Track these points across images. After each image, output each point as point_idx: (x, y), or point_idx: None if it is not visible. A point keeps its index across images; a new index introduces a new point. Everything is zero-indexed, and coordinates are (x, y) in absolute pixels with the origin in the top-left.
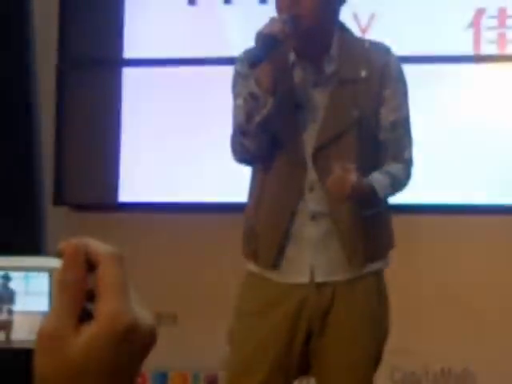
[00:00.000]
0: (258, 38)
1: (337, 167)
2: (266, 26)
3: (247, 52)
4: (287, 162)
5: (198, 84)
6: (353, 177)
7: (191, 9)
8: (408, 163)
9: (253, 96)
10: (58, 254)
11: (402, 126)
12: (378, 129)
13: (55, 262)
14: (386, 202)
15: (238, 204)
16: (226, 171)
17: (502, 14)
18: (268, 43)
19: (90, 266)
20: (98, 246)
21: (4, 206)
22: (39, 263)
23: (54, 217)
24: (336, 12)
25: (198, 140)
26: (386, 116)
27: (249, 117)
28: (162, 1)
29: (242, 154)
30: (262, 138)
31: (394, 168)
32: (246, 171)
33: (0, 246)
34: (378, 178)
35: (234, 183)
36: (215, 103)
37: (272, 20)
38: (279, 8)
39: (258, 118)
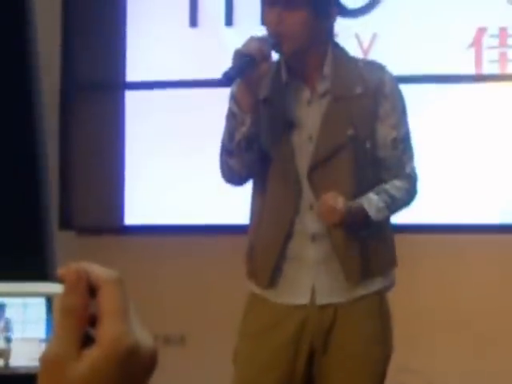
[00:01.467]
0: (235, 55)
1: (324, 196)
2: (244, 44)
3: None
4: (283, 181)
5: (200, 106)
6: (340, 204)
7: (193, 31)
8: (411, 178)
9: (232, 115)
10: (59, 280)
11: (402, 143)
12: (375, 146)
13: (53, 288)
14: (386, 221)
15: (243, 225)
16: (230, 193)
17: (502, 33)
18: (243, 62)
19: (92, 290)
20: (99, 271)
21: (10, 232)
22: (36, 289)
23: (61, 241)
24: (326, 31)
25: (202, 162)
26: (386, 134)
27: (230, 136)
28: (164, 23)
29: (228, 173)
30: (246, 157)
31: (394, 187)
32: (249, 193)
33: (6, 272)
34: (371, 200)
35: (238, 204)
36: (219, 125)
37: (250, 39)
38: (265, 23)
39: (238, 136)
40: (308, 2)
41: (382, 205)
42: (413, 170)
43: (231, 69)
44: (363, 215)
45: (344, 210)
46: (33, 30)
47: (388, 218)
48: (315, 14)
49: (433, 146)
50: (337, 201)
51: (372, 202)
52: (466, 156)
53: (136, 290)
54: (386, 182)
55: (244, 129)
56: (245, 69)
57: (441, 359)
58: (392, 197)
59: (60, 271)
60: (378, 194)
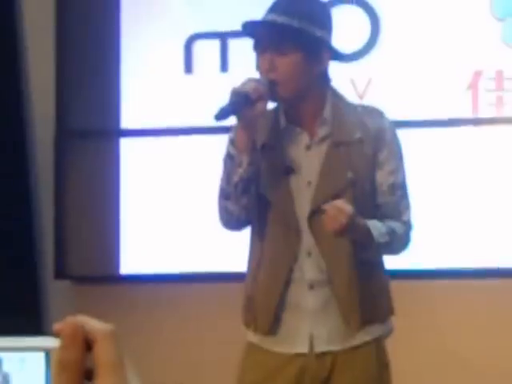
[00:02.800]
0: (231, 94)
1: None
2: (241, 84)
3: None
4: (282, 227)
5: (197, 153)
6: (349, 208)
7: (188, 77)
8: (407, 226)
9: (229, 156)
10: (56, 334)
11: (400, 189)
12: (374, 192)
13: (51, 342)
14: (381, 253)
15: (239, 273)
16: (227, 240)
17: (498, 76)
18: (239, 100)
19: (88, 344)
20: (94, 324)
21: (5, 281)
22: (35, 343)
23: (56, 290)
24: (320, 74)
25: (198, 209)
26: (384, 180)
27: (228, 178)
28: (159, 69)
29: (227, 218)
30: (243, 200)
31: (393, 224)
32: (246, 240)
33: (2, 322)
34: (375, 223)
35: (235, 252)
36: (215, 172)
37: (247, 79)
38: (259, 70)
39: (235, 178)
40: (299, 46)
41: (384, 230)
42: (409, 219)
43: (227, 105)
44: (366, 232)
45: (351, 213)
46: (26, 78)
47: (383, 265)
48: (307, 58)
49: (430, 191)
50: (345, 204)
51: (376, 225)
52: (464, 200)
53: (132, 339)
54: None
55: (241, 170)
56: (240, 106)
57: None
58: (392, 229)
59: (56, 325)
60: (379, 222)
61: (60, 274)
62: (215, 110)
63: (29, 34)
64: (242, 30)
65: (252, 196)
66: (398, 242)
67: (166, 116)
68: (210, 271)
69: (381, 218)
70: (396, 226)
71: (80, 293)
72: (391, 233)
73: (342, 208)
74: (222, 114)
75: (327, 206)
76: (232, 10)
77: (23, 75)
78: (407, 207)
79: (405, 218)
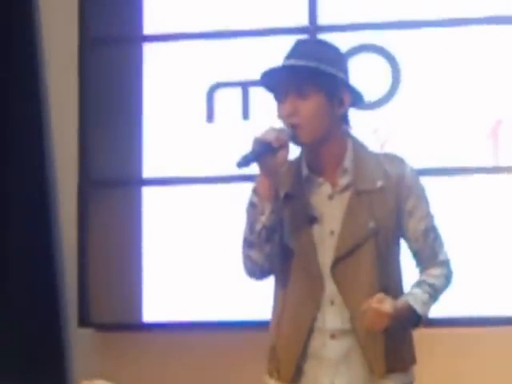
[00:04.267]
0: (254, 142)
1: (370, 301)
2: (263, 132)
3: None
4: (305, 276)
5: (219, 202)
6: (387, 306)
7: (210, 126)
8: (445, 264)
9: (252, 205)
10: None
11: (432, 232)
12: (397, 240)
13: None
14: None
15: (263, 321)
16: (250, 288)
17: None
18: (261, 148)
19: None
20: None
21: (29, 330)
22: None
23: (80, 338)
24: (341, 117)
25: (221, 257)
26: (416, 227)
27: (251, 227)
28: (181, 118)
29: (251, 267)
30: (267, 248)
31: (432, 275)
32: (268, 288)
33: (26, 372)
34: (415, 295)
35: (258, 300)
36: (237, 221)
37: (269, 128)
38: (280, 117)
39: (258, 227)
40: (320, 87)
41: (426, 297)
42: (445, 255)
43: (249, 153)
44: (410, 312)
45: (391, 313)
46: (49, 129)
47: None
48: (328, 99)
49: (450, 239)
50: (383, 303)
51: (417, 296)
52: (485, 248)
53: None
54: (420, 272)
55: (263, 218)
56: (262, 154)
57: None
58: (433, 286)
59: None
60: (419, 286)
61: (84, 321)
62: (237, 158)
63: (52, 85)
64: (260, 79)
65: (275, 244)
66: (442, 290)
67: (188, 165)
68: (234, 319)
69: (418, 264)
70: (435, 276)
71: (104, 340)
72: (433, 294)
73: (381, 311)
74: (243, 162)
75: (366, 309)
76: (253, 58)
77: (46, 126)
78: (441, 245)
79: (441, 257)
